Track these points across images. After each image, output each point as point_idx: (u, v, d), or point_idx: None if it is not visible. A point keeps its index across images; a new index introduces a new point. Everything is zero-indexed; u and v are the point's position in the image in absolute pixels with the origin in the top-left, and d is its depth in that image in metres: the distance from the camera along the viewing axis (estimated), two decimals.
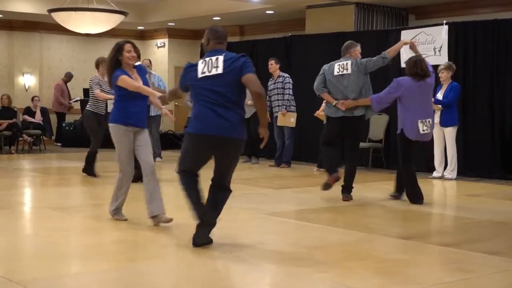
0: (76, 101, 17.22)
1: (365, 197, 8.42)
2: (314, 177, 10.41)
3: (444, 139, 10.41)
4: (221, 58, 5.18)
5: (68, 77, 17.23)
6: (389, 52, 8.15)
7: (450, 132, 10.33)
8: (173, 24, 18.22)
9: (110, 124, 6.24)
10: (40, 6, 15.30)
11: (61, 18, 14.17)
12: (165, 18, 17.40)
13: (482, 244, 5.67)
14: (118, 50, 6.17)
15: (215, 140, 5.11)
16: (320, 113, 11.16)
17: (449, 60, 10.88)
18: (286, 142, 12.08)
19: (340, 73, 8.13)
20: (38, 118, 15.52)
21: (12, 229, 6.23)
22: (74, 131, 17.26)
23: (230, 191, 5.39)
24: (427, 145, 9.24)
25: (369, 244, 5.67)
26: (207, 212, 5.22)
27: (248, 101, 12.17)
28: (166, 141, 15.73)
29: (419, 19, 13.86)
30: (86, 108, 10.33)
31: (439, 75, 10.40)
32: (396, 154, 12.00)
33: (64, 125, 17.29)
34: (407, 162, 8.09)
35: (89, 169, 10.20)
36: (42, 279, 4.31)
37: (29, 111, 15.53)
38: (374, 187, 9.55)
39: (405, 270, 4.74)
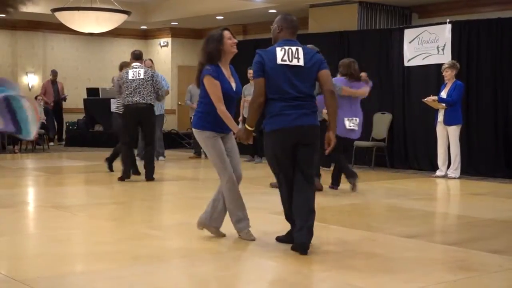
0: (63, 98, 17.07)
1: (368, 196, 8.42)
2: None
3: (448, 138, 10.40)
4: (301, 50, 5.06)
5: (54, 75, 17.08)
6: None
7: (454, 131, 10.32)
8: (176, 23, 18.23)
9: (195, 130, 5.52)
10: (44, 5, 15.31)
11: (65, 18, 14.19)
12: (168, 18, 17.41)
13: (485, 243, 5.66)
14: (219, 39, 5.35)
15: (304, 130, 4.98)
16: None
17: (452, 58, 10.87)
18: None
19: None
20: (41, 117, 15.53)
21: (15, 228, 6.24)
22: (77, 130, 17.29)
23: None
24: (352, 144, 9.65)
25: (372, 243, 5.66)
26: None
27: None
28: (169, 140, 15.75)
29: (422, 18, 13.85)
30: (113, 111, 10.59)
31: (443, 73, 10.40)
32: (400, 153, 12.06)
33: (67, 124, 17.32)
34: (338, 156, 8.43)
35: (109, 162, 10.43)
36: (46, 278, 4.32)
37: None
38: (377, 186, 9.55)
39: (408, 268, 4.74)
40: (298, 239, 4.96)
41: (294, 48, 5.04)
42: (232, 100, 5.41)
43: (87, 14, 13.81)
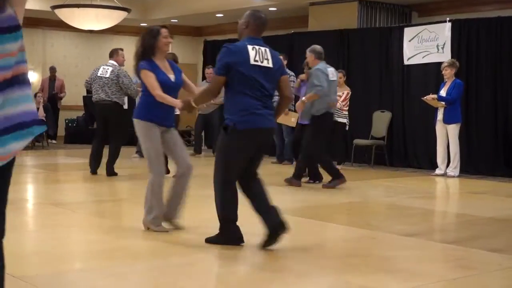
0: (59, 96, 17.01)
1: (367, 194, 8.43)
2: None
3: (447, 136, 10.40)
4: (268, 51, 5.04)
5: (52, 71, 17.01)
6: None
7: (453, 129, 10.32)
8: (176, 21, 18.21)
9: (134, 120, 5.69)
10: (43, 2, 15.30)
11: (64, 15, 14.18)
12: (168, 15, 17.39)
13: (484, 242, 5.67)
14: (155, 35, 5.63)
15: (267, 133, 5.08)
16: None
17: (452, 57, 10.87)
18: (286, 140, 12.08)
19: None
20: (41, 115, 15.51)
21: (14, 225, 6.22)
22: (77, 127, 17.29)
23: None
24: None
25: (372, 241, 5.66)
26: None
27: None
28: None
29: (422, 16, 13.84)
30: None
31: (443, 72, 10.40)
32: (399, 151, 12.06)
33: (67, 121, 17.29)
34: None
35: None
36: (45, 275, 4.32)
37: None
38: (377, 184, 9.55)
39: (408, 267, 4.74)
40: (274, 221, 5.01)
41: (263, 49, 5.00)
42: (172, 90, 5.64)
43: (87, 11, 13.80)
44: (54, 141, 16.59)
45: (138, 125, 5.61)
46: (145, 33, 5.76)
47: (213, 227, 5.23)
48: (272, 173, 10.50)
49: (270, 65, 4.97)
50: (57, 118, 17.02)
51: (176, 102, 5.51)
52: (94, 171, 9.85)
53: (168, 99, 5.51)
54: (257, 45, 4.99)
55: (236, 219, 5.09)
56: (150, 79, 5.54)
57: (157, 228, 5.61)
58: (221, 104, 7.10)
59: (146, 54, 5.63)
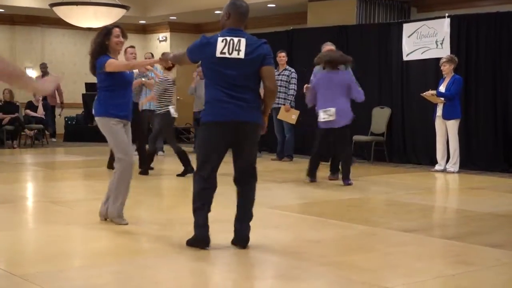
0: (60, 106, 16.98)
1: (367, 190, 8.43)
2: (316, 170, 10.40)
3: (447, 132, 10.40)
4: (243, 41, 4.82)
5: (43, 68, 16.92)
6: None
7: (453, 125, 10.32)
8: (175, 18, 18.20)
9: (97, 118, 5.89)
10: (42, 0, 15.29)
11: (63, 13, 14.16)
12: (167, 12, 17.38)
13: (484, 237, 5.67)
14: (106, 34, 5.85)
15: (235, 126, 4.85)
16: None
17: (451, 53, 10.86)
18: (287, 136, 12.07)
19: None
20: (40, 113, 15.52)
21: (14, 223, 6.24)
22: (76, 125, 17.28)
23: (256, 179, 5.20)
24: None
25: (372, 237, 5.67)
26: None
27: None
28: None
29: (421, 12, 13.83)
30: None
31: (441, 68, 10.39)
32: (399, 147, 12.06)
33: (66, 119, 17.27)
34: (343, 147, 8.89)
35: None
36: (44, 272, 4.32)
37: (31, 106, 15.53)
38: (376, 180, 9.55)
39: (407, 263, 4.74)
40: (242, 233, 5.05)
41: (236, 39, 4.81)
42: (127, 83, 5.97)
43: (85, 9, 13.78)
44: (54, 139, 16.58)
45: (105, 121, 5.83)
46: (98, 32, 5.97)
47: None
48: (272, 170, 10.51)
49: (241, 56, 4.78)
50: (54, 116, 16.98)
51: (151, 61, 6.17)
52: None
53: (141, 62, 6.11)
54: (233, 35, 4.83)
55: (201, 214, 4.95)
56: (116, 62, 5.82)
57: (119, 220, 5.87)
58: None
59: (102, 52, 5.87)
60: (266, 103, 4.96)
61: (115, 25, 5.99)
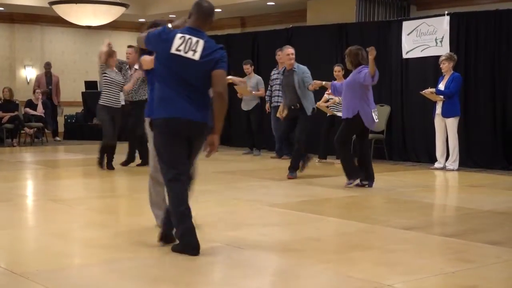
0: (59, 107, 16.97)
1: (366, 188, 8.43)
2: (316, 168, 10.41)
3: (446, 130, 10.40)
4: (201, 43, 4.71)
5: (47, 67, 16.91)
6: None
7: (452, 123, 10.32)
8: (174, 16, 18.16)
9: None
10: None
11: (62, 11, 14.18)
12: (166, 10, 17.36)
13: (483, 235, 5.68)
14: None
15: (188, 124, 4.72)
16: (322, 104, 11.15)
17: (450, 51, 10.85)
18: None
19: None
20: (39, 111, 15.51)
21: (14, 221, 6.24)
22: (76, 123, 17.27)
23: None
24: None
25: (371, 235, 5.67)
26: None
27: (252, 91, 12.28)
28: None
29: (421, 10, 13.83)
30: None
31: (441, 66, 10.39)
32: (398, 145, 12.06)
33: (66, 117, 17.26)
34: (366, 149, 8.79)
35: (100, 161, 10.11)
36: (45, 271, 4.33)
37: (30, 104, 15.52)
38: (376, 178, 9.54)
39: (407, 260, 4.75)
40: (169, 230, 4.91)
41: (195, 40, 4.72)
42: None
43: (85, 7, 13.80)
44: (58, 138, 16.53)
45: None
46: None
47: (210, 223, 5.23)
48: (271, 168, 10.51)
49: (195, 57, 4.68)
50: (56, 114, 16.95)
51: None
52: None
53: None
54: (193, 35, 4.74)
55: (188, 218, 4.75)
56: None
57: None
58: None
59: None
60: (214, 108, 4.75)
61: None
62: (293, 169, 9.17)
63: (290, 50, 9.39)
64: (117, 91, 9.90)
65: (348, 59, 8.37)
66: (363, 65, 8.22)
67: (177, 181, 4.74)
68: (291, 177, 9.07)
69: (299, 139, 9.09)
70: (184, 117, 4.69)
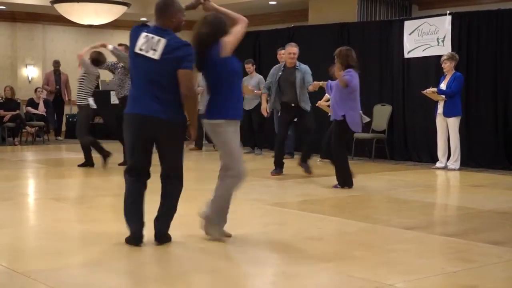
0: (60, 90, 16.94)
1: (368, 187, 8.43)
2: (317, 167, 10.41)
3: (447, 130, 10.40)
4: (163, 42, 4.74)
5: (55, 65, 16.89)
6: None
7: (453, 123, 10.32)
8: None
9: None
10: None
11: (64, 10, 14.18)
12: None
13: (485, 234, 5.67)
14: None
15: (152, 122, 4.78)
16: (323, 103, 11.14)
17: (452, 50, 10.85)
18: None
19: None
20: (41, 110, 15.52)
21: (15, 220, 6.25)
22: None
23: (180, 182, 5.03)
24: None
25: (372, 235, 5.67)
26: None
27: (254, 90, 12.27)
28: None
29: (423, 10, 13.82)
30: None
31: (442, 65, 10.39)
32: (400, 145, 12.06)
33: (67, 116, 17.24)
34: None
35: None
36: (46, 270, 4.33)
37: (32, 103, 15.54)
38: (377, 177, 9.55)
39: (408, 260, 4.75)
40: (158, 230, 5.03)
41: (156, 39, 4.75)
42: None
43: (86, 6, 13.79)
44: (60, 138, 16.52)
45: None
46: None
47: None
48: (272, 167, 10.51)
49: (155, 57, 4.71)
50: (61, 113, 16.89)
51: None
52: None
53: None
54: (157, 34, 4.78)
55: (128, 214, 4.93)
56: None
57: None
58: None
59: None
60: (185, 107, 4.81)
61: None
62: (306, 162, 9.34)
63: (293, 49, 9.40)
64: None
65: (338, 60, 8.26)
66: (350, 68, 8.12)
67: (131, 176, 4.91)
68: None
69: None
70: (146, 114, 4.76)
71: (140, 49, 4.76)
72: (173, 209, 5.02)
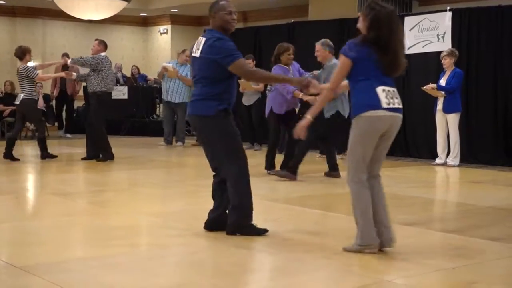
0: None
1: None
2: (316, 163, 10.41)
3: (447, 126, 10.40)
4: (203, 41, 5.09)
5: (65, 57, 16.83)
6: None
7: (453, 119, 10.32)
8: (176, 10, 18.19)
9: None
10: None
11: (64, 5, 14.17)
12: (168, 5, 17.36)
13: (484, 231, 5.68)
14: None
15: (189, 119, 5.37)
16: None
17: (452, 46, 10.85)
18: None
19: None
20: (41, 105, 15.48)
21: (15, 214, 6.25)
22: (77, 118, 17.23)
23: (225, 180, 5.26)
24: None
25: None
26: None
27: (253, 85, 12.26)
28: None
29: (423, 6, 13.83)
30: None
31: (442, 61, 10.38)
32: (399, 141, 12.04)
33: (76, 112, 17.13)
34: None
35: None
36: (45, 264, 4.33)
37: None
38: None
39: (407, 256, 4.75)
40: None
41: (201, 39, 5.13)
42: None
43: (87, 1, 13.79)
44: (69, 135, 16.32)
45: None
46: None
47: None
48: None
49: (196, 54, 5.09)
50: (71, 108, 16.67)
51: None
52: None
53: None
54: (204, 36, 5.13)
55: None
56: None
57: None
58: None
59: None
60: (257, 81, 5.57)
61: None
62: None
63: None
64: None
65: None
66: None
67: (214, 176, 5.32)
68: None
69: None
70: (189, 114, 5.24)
71: (192, 51, 5.16)
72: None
